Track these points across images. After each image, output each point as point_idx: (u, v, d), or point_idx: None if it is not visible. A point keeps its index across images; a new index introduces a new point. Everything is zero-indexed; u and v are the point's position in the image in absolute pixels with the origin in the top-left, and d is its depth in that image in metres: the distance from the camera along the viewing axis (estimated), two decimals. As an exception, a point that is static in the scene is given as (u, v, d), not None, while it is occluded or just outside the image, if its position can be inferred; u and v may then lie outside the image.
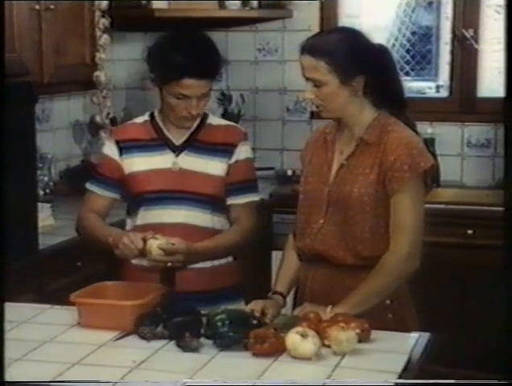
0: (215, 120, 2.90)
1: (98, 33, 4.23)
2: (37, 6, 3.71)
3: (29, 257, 3.29)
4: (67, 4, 3.96)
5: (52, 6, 3.79)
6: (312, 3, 4.88)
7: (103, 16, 4.25)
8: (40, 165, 4.12)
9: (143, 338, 2.33)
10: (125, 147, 2.83)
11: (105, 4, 4.25)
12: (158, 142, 2.83)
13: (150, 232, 2.62)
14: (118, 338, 2.34)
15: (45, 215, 3.70)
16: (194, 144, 2.82)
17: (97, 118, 4.49)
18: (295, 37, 4.79)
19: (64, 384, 2.05)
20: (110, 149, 2.86)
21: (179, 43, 2.73)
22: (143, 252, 2.60)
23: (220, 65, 2.76)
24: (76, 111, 4.71)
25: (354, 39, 2.55)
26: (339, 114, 2.57)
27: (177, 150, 2.81)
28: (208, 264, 2.79)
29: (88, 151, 4.77)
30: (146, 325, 2.33)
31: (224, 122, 2.94)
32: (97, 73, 4.27)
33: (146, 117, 2.89)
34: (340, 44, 2.51)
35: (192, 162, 2.80)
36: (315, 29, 4.86)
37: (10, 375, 1.93)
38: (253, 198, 2.87)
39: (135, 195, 2.82)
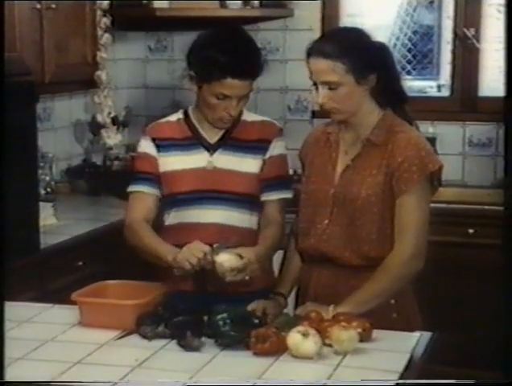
0: (250, 116, 2.83)
1: (99, 32, 4.23)
2: (38, 6, 3.71)
3: (30, 256, 3.29)
4: (68, 3, 3.96)
5: (53, 6, 3.79)
6: (314, 2, 4.87)
7: (104, 15, 4.25)
8: (42, 164, 4.11)
9: (145, 337, 2.33)
10: (161, 145, 2.78)
11: (106, 3, 4.26)
12: (192, 141, 2.78)
13: (214, 245, 2.54)
14: (120, 338, 2.34)
15: (46, 215, 3.70)
16: (229, 142, 2.76)
17: (99, 117, 4.49)
18: (297, 36, 4.82)
19: (64, 384, 2.05)
20: (148, 147, 2.79)
21: (223, 41, 2.67)
22: (206, 265, 2.52)
23: (262, 66, 2.71)
24: (77, 110, 4.71)
25: (362, 38, 2.56)
26: (351, 115, 2.55)
27: (211, 149, 2.76)
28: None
29: (90, 150, 4.77)
30: (148, 324, 2.33)
31: (259, 118, 2.85)
32: (98, 72, 4.27)
33: (180, 115, 2.83)
34: (352, 43, 2.51)
35: (226, 160, 2.75)
36: (317, 28, 4.86)
37: (11, 374, 1.93)
38: (287, 195, 2.79)
39: (169, 194, 2.77)
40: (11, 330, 2.33)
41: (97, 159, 4.73)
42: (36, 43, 3.72)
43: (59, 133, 4.56)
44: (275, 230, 2.74)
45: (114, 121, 4.51)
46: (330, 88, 2.49)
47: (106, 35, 4.27)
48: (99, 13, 4.22)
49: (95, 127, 4.61)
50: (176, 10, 4.65)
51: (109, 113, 4.47)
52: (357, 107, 2.54)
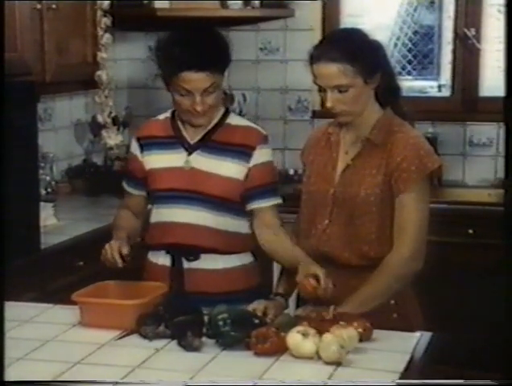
0: (235, 119, 2.82)
1: (100, 32, 4.23)
2: (39, 6, 3.71)
3: (31, 256, 3.29)
4: (69, 3, 3.97)
5: (54, 6, 3.80)
6: (314, 2, 4.87)
7: (105, 15, 4.25)
8: (42, 164, 4.12)
9: (145, 337, 2.33)
10: (145, 144, 2.82)
11: (106, 3, 4.26)
12: (173, 140, 2.79)
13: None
14: (120, 338, 2.34)
15: (47, 215, 3.70)
16: (209, 144, 2.75)
17: (99, 117, 4.49)
18: (297, 36, 4.82)
19: (65, 384, 2.05)
20: (134, 147, 2.86)
21: (179, 37, 2.69)
22: None
23: (221, 59, 2.69)
24: (77, 110, 4.71)
25: (365, 38, 2.56)
26: (358, 116, 2.55)
27: (190, 149, 2.76)
28: (219, 265, 2.73)
29: (90, 150, 4.77)
30: (148, 324, 2.33)
31: (244, 123, 2.83)
32: (98, 72, 4.27)
33: (167, 114, 2.85)
34: (358, 45, 2.51)
35: (204, 161, 2.74)
36: (317, 28, 4.87)
37: (12, 374, 1.93)
38: (277, 200, 2.77)
39: (151, 192, 2.81)
40: (12, 330, 2.33)
41: (98, 159, 4.73)
42: (37, 43, 3.73)
43: (59, 133, 4.57)
44: (286, 235, 2.72)
45: (115, 121, 4.51)
46: (340, 91, 2.49)
47: (107, 35, 4.27)
48: (99, 13, 4.22)
49: (95, 127, 4.62)
50: (177, 10, 4.65)
51: (110, 113, 4.47)
52: (365, 107, 2.54)
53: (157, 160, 2.79)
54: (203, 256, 2.73)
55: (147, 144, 2.82)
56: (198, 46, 2.64)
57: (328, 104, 2.51)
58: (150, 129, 2.86)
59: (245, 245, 2.79)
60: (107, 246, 2.61)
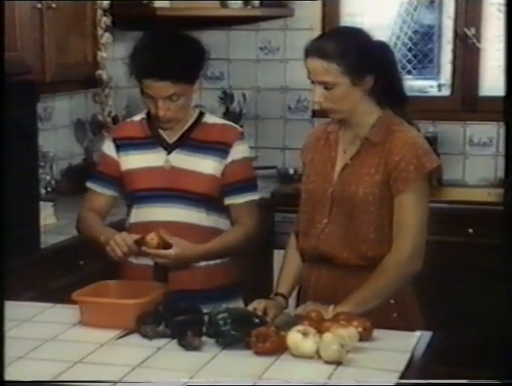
0: (211, 118, 2.87)
1: (100, 32, 4.23)
2: (39, 5, 3.71)
3: (31, 256, 3.29)
4: (69, 3, 3.96)
5: (54, 5, 3.79)
6: (314, 2, 4.88)
7: (105, 15, 4.24)
8: (42, 163, 4.12)
9: (145, 336, 2.33)
10: (121, 145, 2.84)
11: (106, 3, 4.25)
12: (151, 140, 2.82)
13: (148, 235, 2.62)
14: (120, 337, 2.34)
15: (47, 214, 3.70)
16: (187, 142, 2.80)
17: (99, 117, 4.50)
18: (297, 36, 4.82)
19: (65, 383, 2.05)
20: (108, 147, 2.87)
21: (149, 43, 2.71)
22: (139, 253, 2.62)
23: (187, 67, 2.68)
24: (77, 110, 4.71)
25: (361, 39, 2.55)
26: (348, 115, 2.55)
27: (169, 148, 2.80)
28: (202, 263, 2.78)
29: (90, 150, 4.76)
30: (148, 323, 2.33)
31: (220, 121, 2.90)
32: (98, 72, 4.27)
33: (143, 115, 2.88)
34: (349, 45, 2.49)
35: (183, 160, 2.78)
36: (317, 28, 4.86)
37: (12, 373, 1.93)
38: (253, 197, 2.84)
39: (129, 192, 2.83)
40: (12, 329, 2.33)
41: (96, 159, 4.73)
42: (37, 43, 3.72)
43: (59, 132, 4.56)
44: (237, 232, 2.81)
45: (115, 120, 4.51)
46: (326, 88, 2.49)
47: (107, 35, 4.27)
48: (99, 12, 4.22)
49: (96, 126, 4.62)
50: (177, 9, 4.65)
51: (110, 113, 4.47)
52: (354, 107, 2.54)
53: (135, 160, 2.81)
54: None
55: (124, 145, 2.84)
56: (163, 54, 2.65)
57: (315, 99, 2.53)
58: (126, 130, 2.89)
59: None
60: (117, 237, 2.61)
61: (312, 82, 2.53)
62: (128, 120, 2.97)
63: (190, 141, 2.80)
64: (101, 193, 2.87)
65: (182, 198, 2.75)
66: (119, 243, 2.60)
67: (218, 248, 2.76)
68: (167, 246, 2.62)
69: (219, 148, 2.78)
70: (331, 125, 2.67)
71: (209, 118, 2.87)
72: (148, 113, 2.85)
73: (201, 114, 2.85)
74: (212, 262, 2.81)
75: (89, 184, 2.90)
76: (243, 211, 2.81)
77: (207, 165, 2.77)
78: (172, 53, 2.66)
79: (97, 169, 2.92)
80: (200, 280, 2.78)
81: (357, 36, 2.56)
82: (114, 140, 2.86)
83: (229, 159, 2.78)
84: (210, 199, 2.78)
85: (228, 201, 2.80)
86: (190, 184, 2.76)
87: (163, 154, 2.80)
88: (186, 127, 2.81)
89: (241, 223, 2.81)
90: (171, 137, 2.81)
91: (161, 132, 2.81)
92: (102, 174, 2.87)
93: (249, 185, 2.84)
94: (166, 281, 2.71)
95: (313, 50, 2.51)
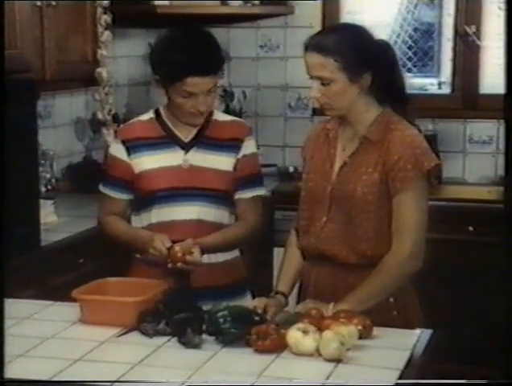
0: (220, 116, 2.91)
1: (100, 30, 4.22)
2: (39, 3, 3.71)
3: (31, 254, 3.29)
4: (69, 1, 3.96)
5: (54, 3, 3.79)
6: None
7: (105, 13, 4.24)
8: (42, 161, 4.12)
9: (145, 334, 2.33)
10: (132, 146, 2.82)
11: (106, 1, 4.25)
12: (166, 140, 2.81)
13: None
14: (120, 335, 2.34)
15: (47, 212, 3.70)
16: (202, 140, 2.82)
17: (99, 115, 4.49)
18: (297, 33, 4.81)
19: (65, 382, 2.05)
20: (118, 150, 2.84)
21: (179, 41, 2.71)
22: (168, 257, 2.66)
23: (222, 60, 2.76)
24: (78, 108, 4.71)
25: (361, 36, 2.54)
26: (345, 112, 2.55)
27: (186, 147, 2.80)
28: (219, 259, 2.81)
29: (90, 148, 4.77)
30: (149, 321, 2.33)
31: (229, 118, 2.94)
32: (98, 70, 4.27)
33: (151, 114, 2.87)
34: (348, 41, 2.50)
35: (201, 158, 2.80)
36: (317, 25, 4.86)
37: (12, 371, 1.93)
38: (260, 192, 2.88)
39: (147, 193, 2.80)
40: (12, 327, 2.33)
41: (98, 157, 4.73)
42: (37, 41, 3.72)
43: (59, 130, 4.56)
44: (241, 226, 2.84)
45: (115, 118, 4.51)
46: (323, 84, 2.49)
47: (107, 33, 4.27)
48: (99, 10, 4.21)
49: (96, 124, 4.61)
50: (177, 7, 4.65)
51: (110, 111, 4.47)
52: (350, 104, 2.53)
53: (150, 161, 2.80)
54: None
55: (135, 146, 2.82)
56: (200, 50, 2.68)
57: (312, 94, 2.53)
58: (135, 131, 2.86)
59: None
60: (157, 240, 2.65)
61: (311, 77, 2.53)
62: (134, 120, 2.94)
63: (205, 139, 2.82)
64: (116, 198, 2.86)
65: (202, 195, 2.78)
66: (159, 247, 2.65)
67: (222, 239, 2.79)
68: (189, 252, 2.64)
69: (232, 144, 2.82)
70: (330, 123, 2.67)
71: (219, 116, 2.89)
72: (157, 112, 2.85)
73: (211, 112, 2.85)
74: (228, 257, 2.84)
75: (103, 189, 2.88)
76: (249, 205, 2.85)
77: (224, 162, 2.80)
78: (208, 48, 2.71)
79: (109, 173, 2.89)
80: (215, 276, 2.79)
81: (356, 33, 2.56)
82: (123, 142, 2.83)
83: (241, 154, 2.82)
84: (227, 194, 2.81)
85: (236, 195, 2.83)
86: (209, 181, 2.78)
87: (180, 153, 2.80)
88: (200, 126, 2.81)
89: (246, 217, 2.84)
90: (185, 136, 2.81)
91: (175, 131, 2.81)
92: (115, 178, 2.85)
93: (256, 180, 2.88)
94: (188, 279, 2.73)
95: (312, 44, 2.51)
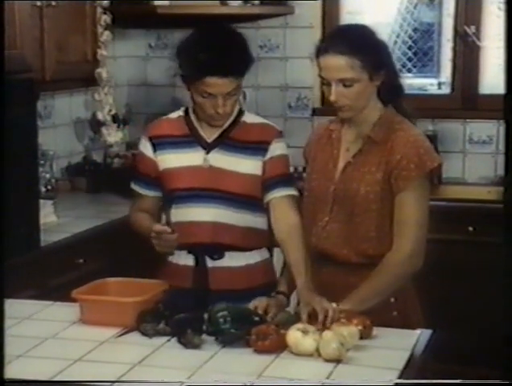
0: (250, 117, 2.82)
1: (100, 30, 4.23)
2: (39, 3, 3.72)
3: (31, 254, 3.29)
4: (68, 1, 3.96)
5: (54, 3, 3.79)
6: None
7: (104, 13, 4.25)
8: (42, 162, 4.12)
9: (145, 334, 2.33)
10: (158, 144, 2.79)
11: (106, 1, 4.25)
12: (190, 139, 2.77)
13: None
14: (120, 335, 2.35)
15: (47, 212, 3.70)
16: (226, 142, 2.75)
17: (99, 115, 4.49)
18: (297, 34, 4.82)
19: (65, 382, 2.05)
20: (145, 147, 2.82)
21: (204, 40, 2.67)
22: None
23: (245, 63, 2.68)
24: (77, 108, 4.71)
25: (373, 34, 2.56)
26: (360, 112, 2.54)
27: (208, 148, 2.75)
28: (242, 263, 2.75)
29: (90, 148, 4.77)
30: (148, 321, 2.34)
31: (259, 120, 2.83)
32: (98, 70, 4.27)
33: (180, 113, 2.83)
34: (366, 40, 2.51)
35: (222, 160, 2.73)
36: (317, 25, 4.86)
37: (12, 372, 1.93)
38: (292, 192, 2.74)
39: (168, 191, 2.78)
40: (12, 327, 2.33)
41: (98, 157, 4.73)
42: (37, 41, 3.72)
43: (59, 130, 4.56)
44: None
45: (115, 118, 4.51)
46: (345, 85, 2.48)
47: (106, 33, 4.27)
48: (99, 10, 4.22)
49: (95, 125, 4.62)
50: (177, 7, 4.65)
51: (110, 111, 4.47)
52: (367, 103, 2.54)
53: (173, 159, 2.77)
54: (226, 253, 2.73)
55: (161, 143, 2.79)
56: (223, 50, 2.63)
57: (332, 98, 2.50)
58: (162, 129, 2.83)
59: (263, 241, 2.82)
60: (156, 225, 2.62)
61: (323, 81, 2.52)
62: (164, 117, 2.88)
63: (229, 141, 2.75)
64: (144, 195, 2.84)
65: (221, 198, 2.71)
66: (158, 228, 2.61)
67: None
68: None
69: (258, 147, 2.74)
70: (333, 123, 2.67)
71: (248, 117, 2.82)
72: (186, 111, 2.82)
73: (240, 113, 2.80)
74: (252, 261, 2.77)
75: (133, 186, 2.87)
76: (285, 204, 2.70)
77: (247, 165, 2.73)
78: (232, 47, 2.66)
79: (137, 170, 2.88)
80: (239, 279, 2.74)
81: (369, 32, 2.57)
82: (150, 139, 2.81)
83: (268, 156, 2.73)
84: (248, 198, 2.73)
85: (270, 196, 2.72)
86: (229, 185, 2.72)
87: (201, 153, 2.75)
88: (225, 126, 2.76)
89: (291, 218, 2.66)
90: (210, 136, 2.76)
91: (200, 130, 2.77)
92: (142, 175, 2.83)
93: (288, 180, 2.76)
94: (206, 281, 2.71)
95: (332, 47, 2.48)
